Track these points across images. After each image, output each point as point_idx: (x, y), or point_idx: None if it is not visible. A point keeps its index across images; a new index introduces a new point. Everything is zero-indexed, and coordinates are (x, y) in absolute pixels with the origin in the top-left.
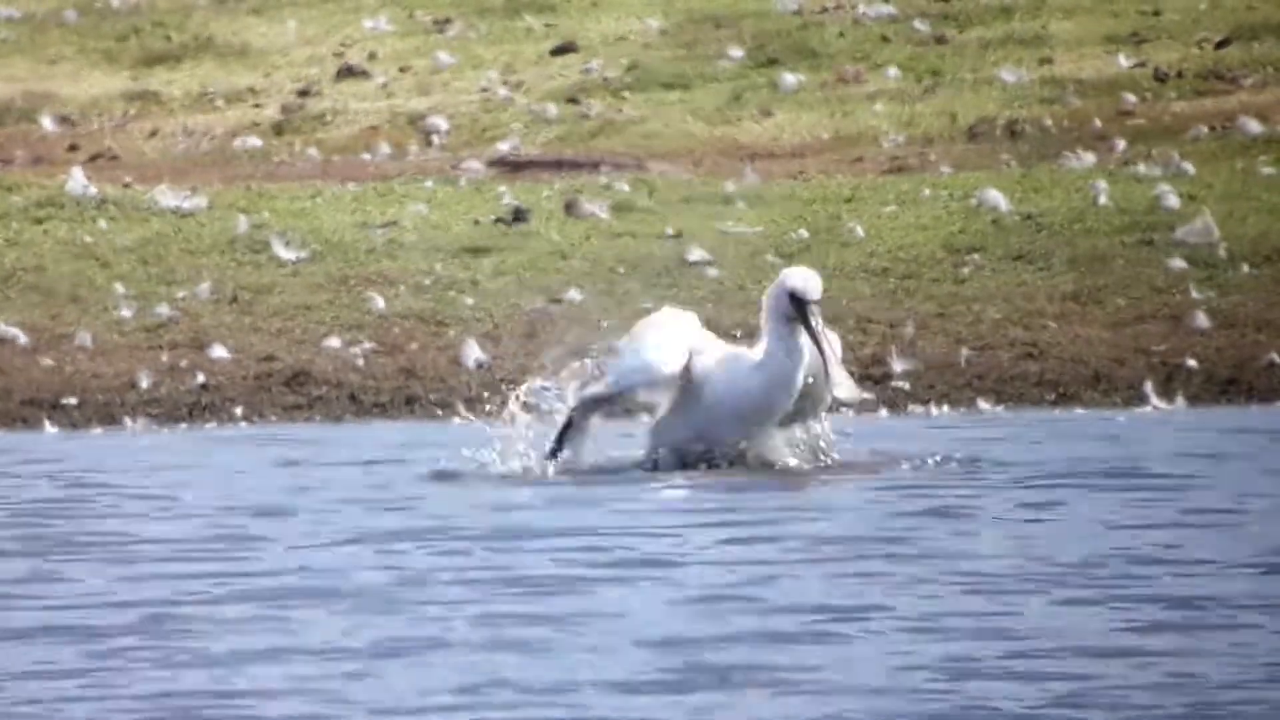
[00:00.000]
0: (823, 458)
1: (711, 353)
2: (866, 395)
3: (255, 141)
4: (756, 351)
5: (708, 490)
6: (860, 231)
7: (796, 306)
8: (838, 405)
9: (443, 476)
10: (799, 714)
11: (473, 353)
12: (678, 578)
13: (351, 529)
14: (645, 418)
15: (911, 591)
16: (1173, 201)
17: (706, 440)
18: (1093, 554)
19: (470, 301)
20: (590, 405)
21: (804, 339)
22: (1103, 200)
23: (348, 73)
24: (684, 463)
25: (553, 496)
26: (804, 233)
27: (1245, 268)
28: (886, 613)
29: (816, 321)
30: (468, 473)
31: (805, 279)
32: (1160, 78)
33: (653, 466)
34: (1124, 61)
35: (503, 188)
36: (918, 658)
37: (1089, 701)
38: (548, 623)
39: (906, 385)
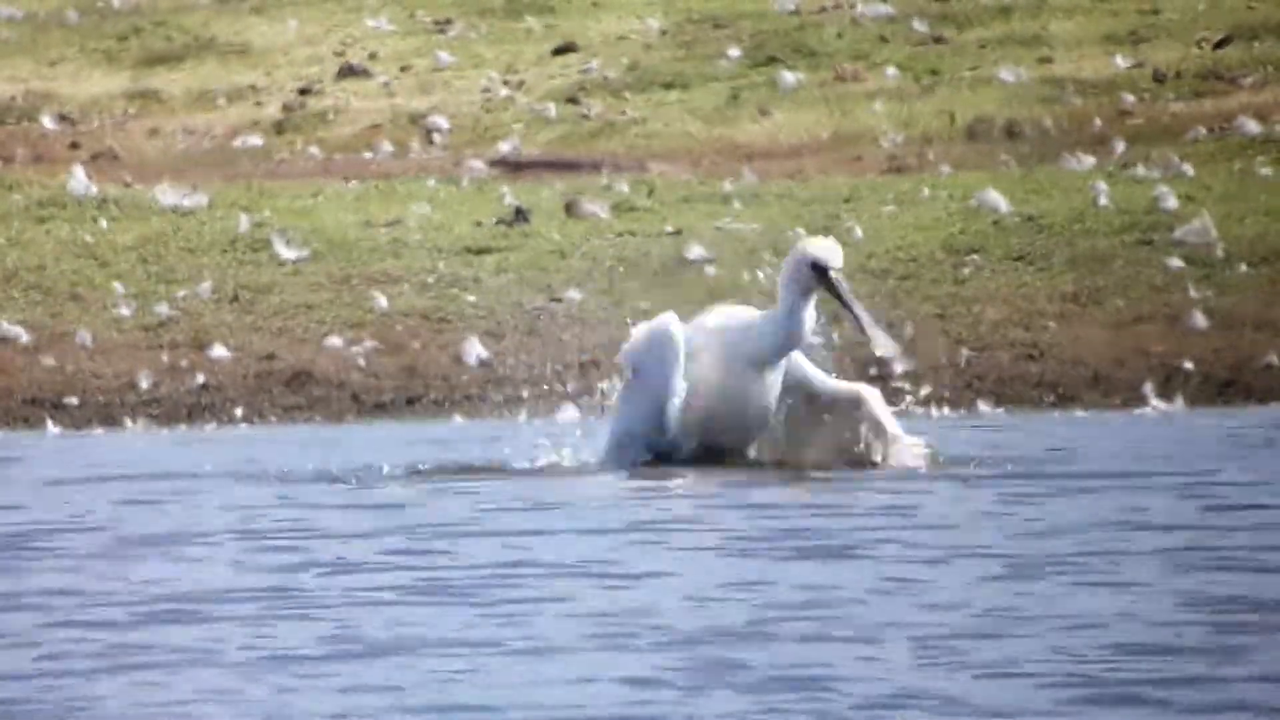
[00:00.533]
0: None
1: (707, 332)
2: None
3: (256, 140)
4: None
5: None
6: (859, 231)
7: (819, 276)
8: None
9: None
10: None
11: (475, 350)
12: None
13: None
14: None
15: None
16: (1171, 202)
17: (713, 419)
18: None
19: (472, 300)
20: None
21: (812, 310)
22: (1102, 201)
23: (349, 72)
24: (696, 454)
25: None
26: (802, 232)
27: (1243, 268)
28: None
29: (843, 287)
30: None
31: (826, 249)
32: (1159, 78)
33: (657, 458)
34: (1122, 62)
35: (504, 187)
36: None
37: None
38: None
39: (906, 386)
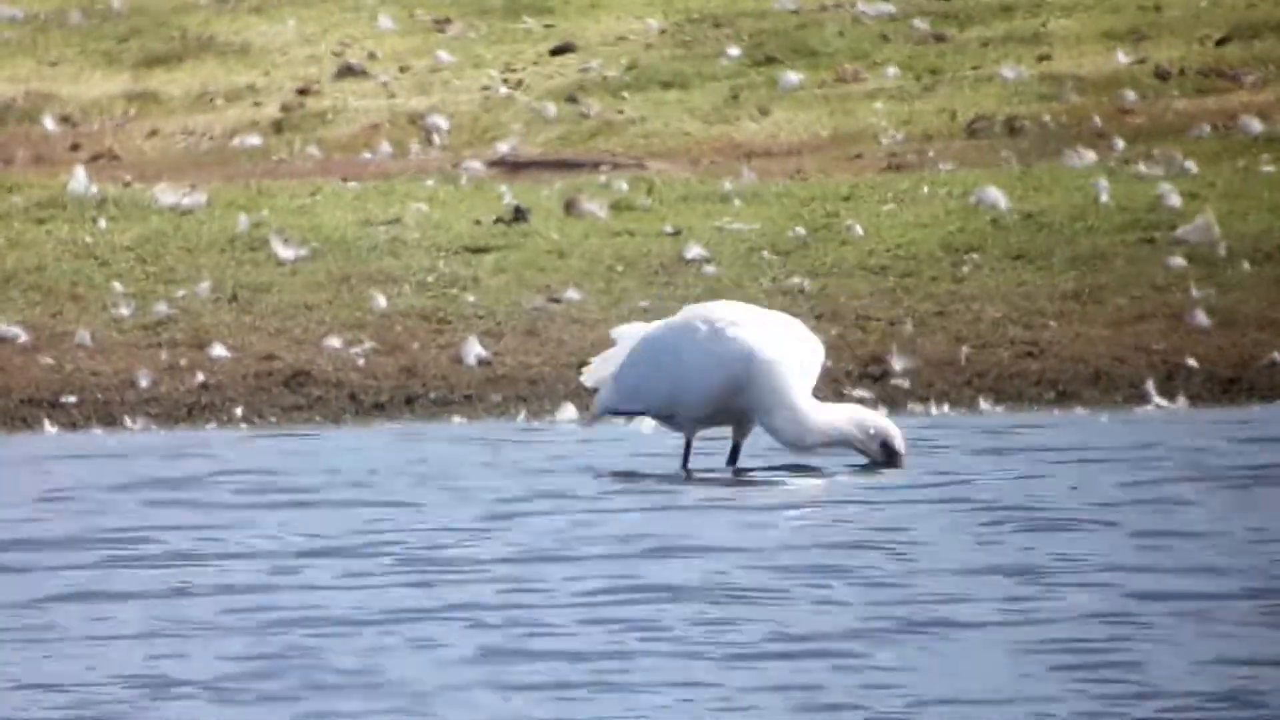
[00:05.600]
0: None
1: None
2: None
3: (255, 140)
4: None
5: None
6: (859, 229)
7: (887, 455)
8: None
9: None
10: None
11: (474, 350)
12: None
13: None
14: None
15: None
16: (1174, 200)
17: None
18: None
19: (471, 299)
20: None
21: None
22: (1104, 199)
23: (348, 71)
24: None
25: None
26: (801, 230)
27: (1246, 266)
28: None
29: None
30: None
31: (904, 440)
32: (1161, 75)
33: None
34: (1124, 58)
35: (503, 187)
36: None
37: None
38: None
39: (906, 384)
